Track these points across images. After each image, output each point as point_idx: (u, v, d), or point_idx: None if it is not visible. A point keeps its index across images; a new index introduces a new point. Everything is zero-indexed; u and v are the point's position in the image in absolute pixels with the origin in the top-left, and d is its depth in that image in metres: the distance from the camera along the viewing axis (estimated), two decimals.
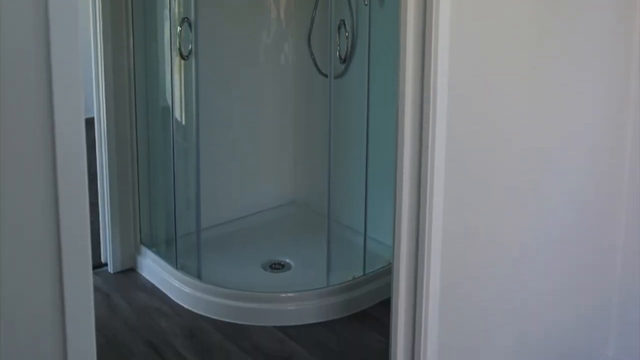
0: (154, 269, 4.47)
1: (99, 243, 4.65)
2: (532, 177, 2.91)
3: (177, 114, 4.48)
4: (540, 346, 3.15)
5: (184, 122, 4.53)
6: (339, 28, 4.56)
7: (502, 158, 2.75)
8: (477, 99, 2.59)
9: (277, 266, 4.52)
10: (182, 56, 4.30)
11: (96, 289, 4.28)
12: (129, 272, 4.61)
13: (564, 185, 3.11)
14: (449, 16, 2.38)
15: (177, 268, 4.32)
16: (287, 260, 4.57)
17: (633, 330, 3.56)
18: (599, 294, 3.51)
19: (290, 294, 4.08)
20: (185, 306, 4.18)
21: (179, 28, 4.27)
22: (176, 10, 4.36)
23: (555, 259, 3.14)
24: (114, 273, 4.58)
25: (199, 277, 4.24)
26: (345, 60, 4.59)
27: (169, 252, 4.50)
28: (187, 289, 4.21)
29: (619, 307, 3.59)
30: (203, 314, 4.09)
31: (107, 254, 4.62)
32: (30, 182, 1.59)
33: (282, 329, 3.95)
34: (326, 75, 4.50)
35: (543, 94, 2.87)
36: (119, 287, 4.41)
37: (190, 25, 4.21)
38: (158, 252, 4.53)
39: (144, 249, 4.59)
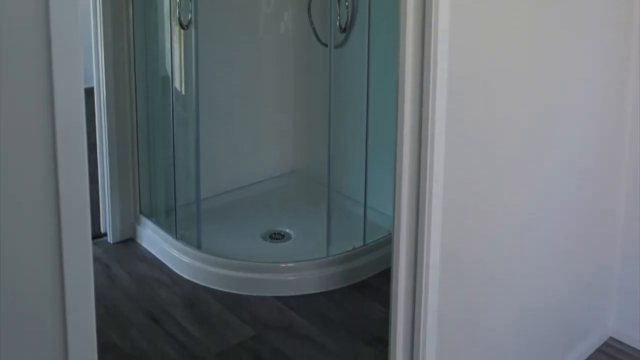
0: (153, 239, 4.47)
1: (99, 213, 4.65)
2: (532, 147, 2.90)
3: (176, 83, 4.47)
4: (540, 316, 3.16)
5: (183, 92, 4.52)
6: None
7: (502, 127, 2.73)
8: (478, 67, 2.57)
9: (277, 236, 4.52)
10: (181, 26, 4.28)
11: (96, 259, 4.29)
12: (129, 242, 4.61)
13: (565, 153, 3.10)
14: None
15: (176, 238, 4.32)
16: (287, 230, 4.58)
17: (633, 300, 3.57)
18: (599, 264, 3.52)
19: (290, 264, 4.08)
20: (185, 276, 4.19)
21: None
22: None
23: (555, 229, 3.14)
24: (113, 243, 4.58)
25: (198, 247, 4.24)
26: (345, 29, 4.56)
27: (169, 222, 4.50)
28: (186, 259, 4.21)
29: (619, 277, 3.60)
30: (202, 284, 4.10)
31: (106, 224, 4.62)
32: (30, 152, 1.58)
33: (282, 299, 3.96)
34: (326, 45, 4.48)
35: (543, 62, 2.85)
36: (118, 257, 4.42)
37: None
38: (158, 222, 4.53)
39: (143, 219, 4.59)
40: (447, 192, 2.50)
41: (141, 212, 4.64)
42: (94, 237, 4.45)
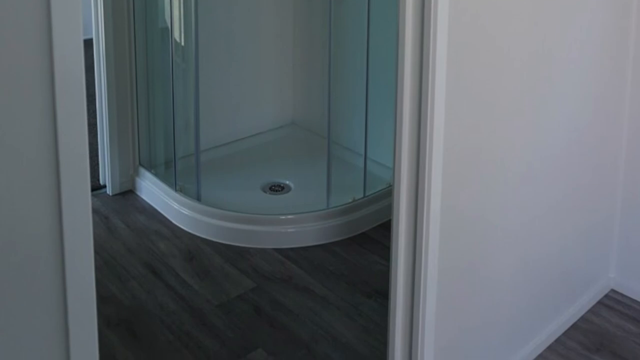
0: (152, 191, 4.46)
1: (98, 165, 4.64)
2: (532, 97, 2.87)
3: (175, 34, 4.43)
4: (541, 268, 3.15)
5: (182, 43, 4.48)
6: None
7: (503, 76, 2.71)
8: (478, 14, 2.54)
9: (277, 188, 4.50)
10: None
11: (95, 211, 4.28)
12: (128, 194, 4.60)
13: (564, 103, 3.08)
14: None
15: (176, 190, 4.31)
16: (287, 182, 4.56)
17: (635, 252, 3.57)
18: (600, 215, 3.51)
19: (289, 216, 4.07)
20: (184, 228, 4.18)
21: None
22: None
23: (556, 178, 3.13)
24: (112, 195, 4.57)
25: (198, 199, 4.23)
26: None
27: (168, 174, 4.48)
28: (186, 211, 4.20)
29: (620, 229, 3.59)
30: (202, 236, 4.09)
31: (105, 176, 4.61)
32: (29, 103, 1.57)
33: (282, 251, 3.96)
34: None
35: (544, 9, 2.82)
36: (117, 209, 4.41)
37: None
38: (157, 174, 4.52)
39: (142, 171, 4.58)
40: (447, 142, 2.48)
41: (140, 164, 4.62)
42: (93, 189, 4.44)
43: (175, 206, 4.26)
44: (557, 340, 3.30)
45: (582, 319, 3.45)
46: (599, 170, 3.41)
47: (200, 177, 4.28)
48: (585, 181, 3.33)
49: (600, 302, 3.57)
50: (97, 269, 1.68)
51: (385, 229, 4.02)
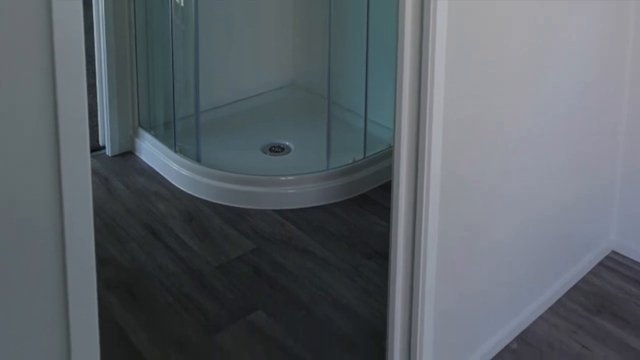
0: (152, 152, 4.44)
1: (97, 126, 4.62)
2: (533, 60, 2.85)
3: None
4: (541, 230, 3.14)
5: (182, 4, 4.44)
6: None
7: (504, 40, 2.69)
8: None
9: (277, 149, 4.49)
10: None
11: (94, 172, 4.27)
12: (127, 155, 4.59)
13: (566, 66, 3.06)
14: None
15: (175, 151, 4.29)
16: (287, 143, 4.54)
17: (635, 213, 3.56)
18: (601, 177, 3.49)
19: (289, 177, 4.06)
20: (184, 189, 4.17)
21: None
22: None
23: (557, 143, 3.11)
24: (112, 156, 4.56)
25: (197, 160, 4.21)
26: None
27: (168, 135, 4.46)
28: (185, 172, 4.18)
29: (621, 191, 3.58)
30: (202, 197, 4.08)
31: (105, 137, 4.59)
32: (28, 63, 1.56)
33: (282, 212, 3.95)
34: None
35: None
36: (117, 170, 4.40)
37: None
38: (156, 135, 4.50)
39: (142, 132, 4.56)
40: (447, 103, 2.46)
41: (140, 125, 4.60)
42: (92, 150, 4.43)
43: (174, 167, 4.25)
44: (558, 302, 3.30)
45: (583, 280, 3.45)
46: (599, 134, 3.40)
47: (200, 138, 4.26)
48: (586, 145, 3.31)
49: (601, 264, 3.57)
50: (97, 230, 1.68)
51: (385, 190, 4.01)
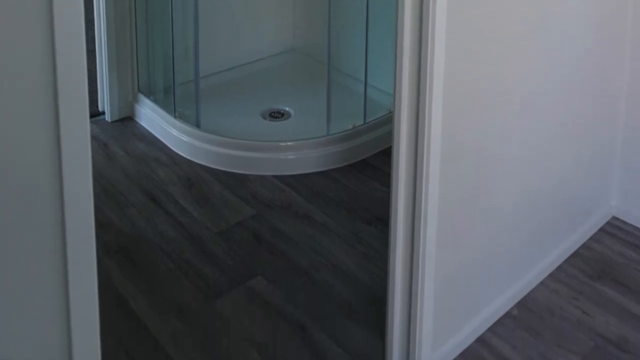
0: (152, 117, 4.42)
1: (97, 91, 4.60)
2: (533, 25, 2.83)
3: None
4: (542, 196, 3.13)
5: None
6: None
7: (504, 4, 2.67)
8: None
9: (277, 115, 4.47)
10: None
11: (93, 137, 4.26)
12: (127, 120, 4.57)
13: (566, 31, 3.04)
14: None
15: (175, 117, 4.27)
16: (287, 109, 4.52)
17: (636, 179, 3.55)
18: (601, 143, 3.48)
19: (289, 143, 4.04)
20: (184, 155, 4.15)
21: None
22: None
23: (557, 107, 3.09)
24: (111, 122, 4.54)
25: (197, 125, 4.19)
26: None
27: (167, 100, 4.44)
28: (185, 138, 4.17)
29: (621, 156, 3.57)
30: (201, 163, 4.07)
31: (104, 102, 4.57)
32: (26, 27, 1.56)
33: (282, 178, 3.94)
34: None
35: None
36: (116, 136, 4.38)
37: None
38: (156, 101, 4.48)
39: (141, 97, 4.54)
40: (448, 69, 2.45)
41: (139, 91, 4.58)
42: (91, 116, 4.41)
43: (174, 133, 4.23)
44: (559, 268, 3.30)
45: (584, 246, 3.45)
46: (600, 98, 3.38)
47: (200, 104, 4.24)
48: (586, 109, 3.30)
49: (601, 230, 3.56)
50: (96, 196, 1.67)
51: (385, 155, 3.99)
